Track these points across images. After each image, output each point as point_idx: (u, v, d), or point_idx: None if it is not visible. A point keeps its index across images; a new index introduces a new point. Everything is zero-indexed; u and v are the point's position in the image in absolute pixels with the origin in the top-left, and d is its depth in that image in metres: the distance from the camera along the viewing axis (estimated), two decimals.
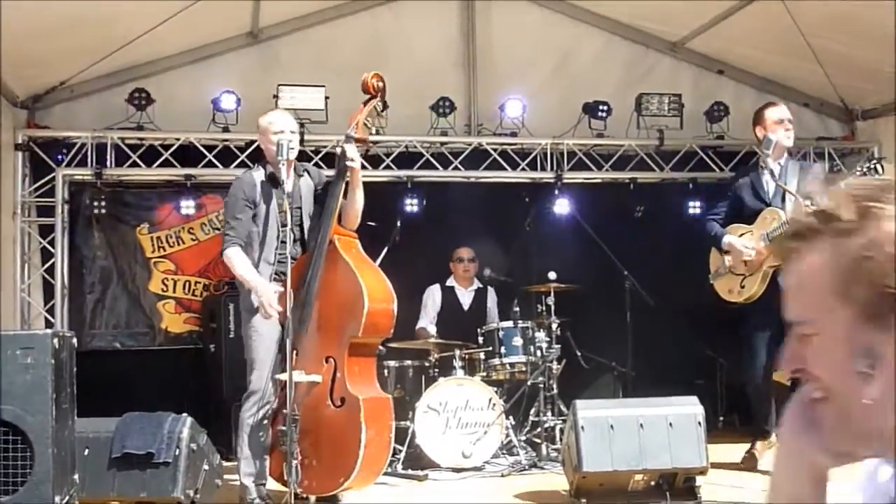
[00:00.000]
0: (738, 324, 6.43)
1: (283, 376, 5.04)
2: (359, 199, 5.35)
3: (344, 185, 5.27)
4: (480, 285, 8.04)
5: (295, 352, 4.91)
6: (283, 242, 5.24)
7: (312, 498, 5.16)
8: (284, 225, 5.24)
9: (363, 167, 7.62)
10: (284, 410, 5.04)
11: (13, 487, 3.58)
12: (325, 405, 5.04)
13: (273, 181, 5.31)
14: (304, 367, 4.88)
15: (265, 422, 5.21)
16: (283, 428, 5.02)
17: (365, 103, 5.34)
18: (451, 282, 8.02)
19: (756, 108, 8.55)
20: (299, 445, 4.85)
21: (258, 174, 5.36)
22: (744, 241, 6.12)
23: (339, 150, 5.37)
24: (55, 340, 3.73)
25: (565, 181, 8.35)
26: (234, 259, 5.19)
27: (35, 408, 3.63)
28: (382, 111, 5.49)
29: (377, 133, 7.90)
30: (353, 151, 5.23)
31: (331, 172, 5.58)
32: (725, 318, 6.59)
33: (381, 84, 5.34)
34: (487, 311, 7.94)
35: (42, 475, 3.61)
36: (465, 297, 7.98)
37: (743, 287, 6.17)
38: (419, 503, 5.72)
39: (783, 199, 6.07)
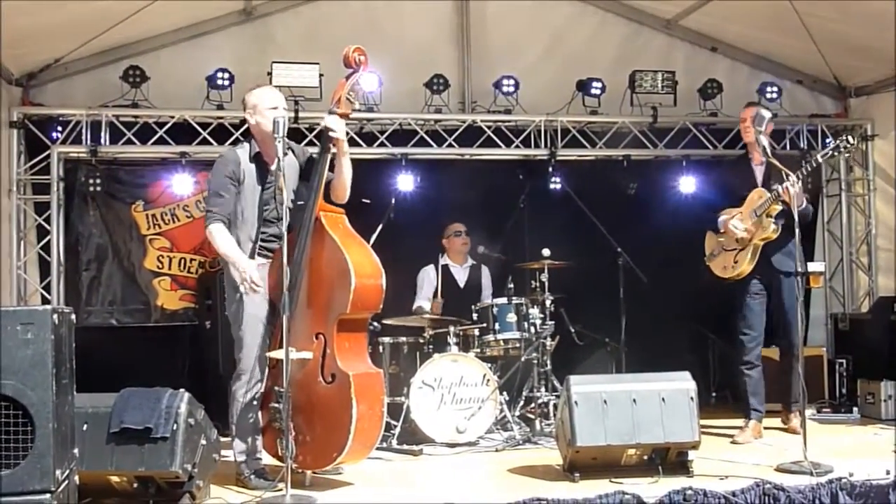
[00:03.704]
0: (730, 300, 6.63)
1: (273, 354, 5.09)
2: (346, 171, 5.31)
3: (329, 159, 5.24)
4: (474, 262, 8.05)
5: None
6: (271, 221, 5.25)
7: (308, 473, 5.22)
8: (267, 204, 5.25)
9: (357, 144, 7.73)
10: (276, 387, 5.09)
11: (14, 461, 3.62)
12: (316, 381, 5.07)
13: (259, 159, 5.33)
14: (295, 344, 4.90)
15: (256, 400, 5.26)
16: (276, 405, 5.07)
17: (347, 77, 5.32)
18: (444, 260, 7.99)
19: (749, 85, 8.58)
20: (293, 421, 4.89)
21: (243, 152, 5.35)
22: (735, 221, 6.42)
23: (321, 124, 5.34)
24: (55, 316, 3.75)
25: (559, 158, 8.36)
26: (217, 235, 5.20)
27: (35, 383, 3.65)
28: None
29: (370, 111, 7.94)
30: (335, 121, 5.20)
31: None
32: (718, 294, 6.66)
33: (362, 58, 5.30)
34: (482, 289, 7.95)
35: (43, 449, 3.64)
36: (461, 274, 7.98)
37: (736, 262, 6.46)
38: (414, 478, 5.76)
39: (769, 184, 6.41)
